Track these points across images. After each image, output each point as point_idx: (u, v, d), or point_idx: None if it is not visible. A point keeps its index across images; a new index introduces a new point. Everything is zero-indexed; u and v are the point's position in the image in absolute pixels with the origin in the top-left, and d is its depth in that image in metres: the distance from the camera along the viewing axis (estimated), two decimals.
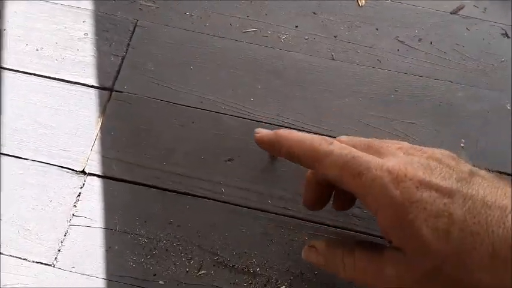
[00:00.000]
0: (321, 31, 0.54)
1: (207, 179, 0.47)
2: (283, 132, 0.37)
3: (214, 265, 0.45)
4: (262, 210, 0.47)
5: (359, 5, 0.55)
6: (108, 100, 0.49)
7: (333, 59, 0.52)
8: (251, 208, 0.47)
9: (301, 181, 0.41)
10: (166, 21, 0.53)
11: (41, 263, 0.44)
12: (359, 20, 0.54)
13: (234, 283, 0.44)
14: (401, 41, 0.54)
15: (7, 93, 0.49)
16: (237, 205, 0.47)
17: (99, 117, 0.49)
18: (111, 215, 0.46)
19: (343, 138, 0.36)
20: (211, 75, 0.51)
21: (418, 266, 0.29)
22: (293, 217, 0.46)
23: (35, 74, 0.50)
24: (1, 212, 0.45)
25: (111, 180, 0.47)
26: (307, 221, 0.46)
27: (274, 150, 0.37)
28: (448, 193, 0.28)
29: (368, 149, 0.33)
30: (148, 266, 0.44)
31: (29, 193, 0.46)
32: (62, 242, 0.44)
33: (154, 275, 0.44)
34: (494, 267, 0.26)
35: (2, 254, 0.44)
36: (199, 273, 0.44)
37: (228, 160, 0.48)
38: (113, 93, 0.50)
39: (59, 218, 0.45)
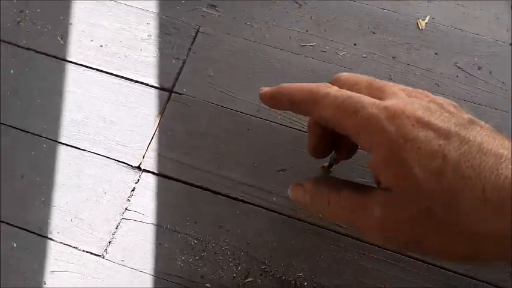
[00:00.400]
0: (380, 51, 0.56)
1: (259, 187, 0.49)
2: (285, 84, 0.36)
3: (261, 274, 0.46)
4: (313, 224, 0.48)
5: (419, 28, 0.57)
6: (168, 101, 0.52)
7: (391, 79, 0.54)
8: (302, 220, 0.48)
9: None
10: (227, 30, 0.56)
11: (91, 253, 0.45)
12: (418, 43, 0.56)
13: None
14: (460, 68, 0.55)
15: (69, 85, 0.52)
16: (287, 216, 0.48)
17: (157, 116, 0.51)
18: (163, 212, 0.47)
19: (344, 74, 0.35)
20: (269, 85, 0.52)
21: (407, 206, 0.28)
22: (345, 235, 0.47)
23: (98, 69, 0.53)
24: (56, 199, 0.47)
25: (165, 179, 0.48)
26: (359, 241, 0.47)
27: (277, 102, 0.36)
28: (445, 135, 0.28)
29: (370, 87, 0.32)
30: (196, 267, 0.45)
31: (85, 183, 0.48)
32: (113, 234, 0.46)
33: (202, 277, 0.45)
34: (483, 211, 0.26)
35: (53, 240, 0.46)
36: (246, 280, 0.45)
37: (281, 170, 0.50)
38: (172, 94, 0.52)
39: (112, 210, 0.47)
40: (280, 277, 0.46)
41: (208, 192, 0.48)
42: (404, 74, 0.55)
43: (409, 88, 0.32)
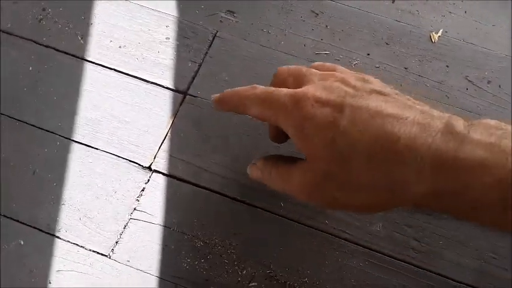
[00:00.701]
0: (392, 61, 0.49)
1: (267, 191, 0.42)
2: (226, 91, 0.37)
3: (266, 278, 0.39)
4: (318, 230, 0.41)
5: (432, 41, 0.50)
6: (182, 103, 0.45)
7: (402, 90, 0.47)
8: (308, 226, 0.41)
9: None
10: (244, 35, 0.49)
11: (98, 253, 0.39)
12: (430, 55, 0.49)
13: None
14: (470, 81, 0.48)
15: (86, 84, 0.46)
16: (294, 221, 0.41)
17: (171, 117, 0.44)
18: (171, 213, 0.41)
19: (280, 69, 0.36)
20: None
21: (316, 171, 0.30)
22: (350, 241, 0.41)
23: (115, 70, 0.46)
24: (66, 197, 0.41)
25: (175, 180, 0.42)
26: (364, 247, 0.41)
27: (223, 107, 0.37)
28: (339, 107, 0.28)
29: (297, 78, 0.33)
30: (202, 270, 0.39)
31: (96, 181, 0.42)
32: (120, 234, 0.40)
33: (207, 280, 0.39)
34: (370, 167, 0.28)
35: (61, 238, 0.40)
36: (251, 284, 0.39)
37: None
38: (187, 96, 0.45)
39: (121, 210, 0.41)
40: (284, 282, 0.39)
41: (217, 194, 0.42)
42: (415, 85, 0.48)
43: (326, 72, 0.33)
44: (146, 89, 0.46)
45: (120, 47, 0.48)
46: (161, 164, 0.43)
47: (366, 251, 0.40)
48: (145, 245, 0.40)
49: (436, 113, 0.28)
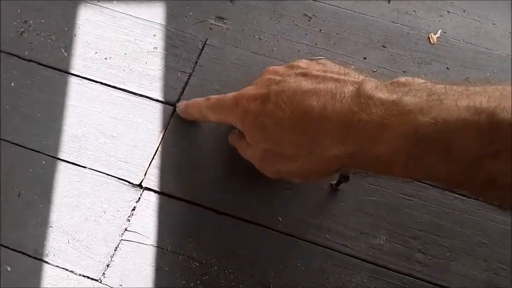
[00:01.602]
0: (390, 65, 0.48)
1: (264, 206, 0.41)
2: (189, 102, 0.42)
3: None
4: (319, 245, 0.40)
5: (430, 42, 0.49)
6: (172, 115, 0.44)
7: None
8: (308, 241, 0.40)
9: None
10: (235, 43, 0.48)
11: (88, 277, 0.38)
12: (430, 58, 0.48)
13: None
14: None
15: (72, 99, 0.44)
16: (293, 236, 0.40)
17: (161, 131, 0.43)
18: (164, 233, 0.40)
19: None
20: None
21: (257, 149, 0.35)
22: (352, 256, 0.40)
23: (101, 83, 0.45)
24: (53, 219, 0.40)
25: (168, 197, 0.41)
26: (368, 262, 0.40)
27: (187, 117, 0.43)
28: (266, 97, 0.33)
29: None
30: None
31: (84, 202, 0.40)
32: (111, 256, 0.39)
33: None
34: (295, 139, 0.32)
35: (49, 263, 0.39)
36: None
37: (287, 188, 0.42)
38: (177, 108, 0.44)
39: (111, 231, 0.40)
40: None
41: (212, 212, 0.41)
42: None
43: (271, 69, 0.37)
44: (134, 102, 0.45)
45: (105, 58, 0.46)
46: (152, 181, 0.41)
47: (370, 265, 0.40)
48: (138, 268, 0.38)
49: (352, 78, 0.31)
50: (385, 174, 0.30)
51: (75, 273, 0.38)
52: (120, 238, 0.39)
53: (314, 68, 0.34)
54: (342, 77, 0.32)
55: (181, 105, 0.43)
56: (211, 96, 0.40)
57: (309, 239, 0.40)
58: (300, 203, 0.42)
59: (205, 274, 0.39)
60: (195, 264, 0.39)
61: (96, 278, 0.38)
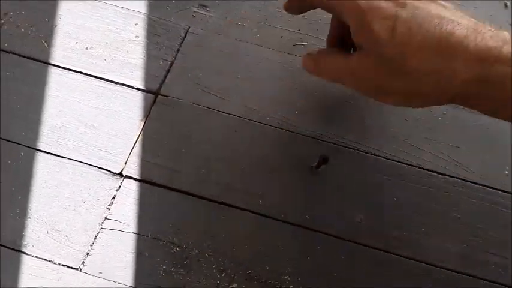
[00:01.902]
0: None
1: (245, 190, 0.41)
2: None
3: (246, 279, 0.38)
4: (300, 226, 0.40)
5: None
6: (153, 104, 0.44)
7: None
8: (289, 223, 0.40)
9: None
10: (218, 30, 0.48)
11: (67, 266, 0.38)
12: None
13: None
14: None
15: (52, 89, 0.44)
16: (274, 219, 0.40)
17: (142, 120, 0.43)
18: (145, 220, 0.39)
19: None
20: (258, 85, 0.45)
21: (370, 56, 0.33)
22: (332, 236, 0.40)
23: (81, 73, 0.45)
24: (31, 210, 0.39)
25: (148, 185, 0.41)
26: (348, 241, 0.39)
27: (292, 4, 0.40)
28: (401, 3, 0.32)
29: None
30: (179, 276, 0.38)
31: (63, 192, 0.40)
32: (91, 245, 0.38)
33: (184, 286, 0.37)
34: (423, 56, 0.31)
35: (28, 254, 0.38)
36: (230, 286, 0.38)
37: (269, 172, 0.42)
38: (159, 97, 0.44)
39: (91, 220, 0.39)
40: (265, 281, 0.38)
41: (192, 197, 0.40)
42: None
43: None
44: (115, 91, 0.44)
45: (86, 48, 0.46)
46: (133, 169, 0.41)
47: (349, 244, 0.39)
48: (118, 255, 0.38)
49: (488, 27, 0.32)
50: (502, 114, 0.34)
51: (54, 263, 0.38)
52: (100, 227, 0.39)
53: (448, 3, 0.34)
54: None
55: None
56: None
57: (290, 220, 0.40)
58: (280, 185, 0.41)
59: (186, 258, 0.38)
60: (176, 249, 0.38)
61: (76, 267, 0.38)
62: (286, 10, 0.41)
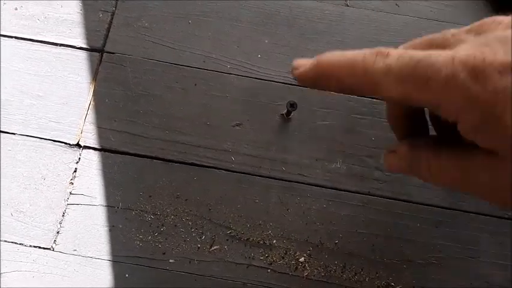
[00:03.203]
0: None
1: (214, 147, 0.40)
2: (326, 60, 0.25)
3: (227, 239, 0.38)
4: (276, 179, 0.40)
5: None
6: (99, 63, 0.41)
7: (347, 5, 0.44)
8: (264, 176, 0.40)
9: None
10: None
11: (39, 247, 0.37)
12: None
13: (249, 257, 0.38)
14: None
15: None
16: (248, 174, 0.40)
17: (90, 83, 0.41)
18: (112, 191, 0.39)
19: (399, 48, 0.26)
20: (213, 30, 0.43)
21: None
22: (310, 184, 0.40)
23: (15, 37, 0.42)
24: None
25: (110, 153, 0.40)
26: (325, 187, 0.40)
27: (322, 86, 0.26)
28: None
29: (430, 46, 0.25)
30: (157, 244, 0.38)
31: (20, 171, 0.39)
32: (60, 223, 0.38)
33: (164, 253, 0.38)
34: None
35: None
36: (212, 248, 0.38)
37: (236, 125, 0.41)
38: (104, 54, 0.42)
39: (55, 197, 0.38)
40: (247, 239, 0.39)
41: (159, 161, 0.40)
42: None
43: (475, 24, 0.24)
44: (56, 54, 0.41)
45: (16, 8, 0.42)
46: (90, 138, 0.40)
47: (328, 191, 0.40)
48: (90, 230, 0.38)
49: None
50: None
51: (25, 245, 0.37)
52: (66, 203, 0.38)
53: None
54: None
55: (300, 65, 0.26)
56: (385, 49, 0.23)
57: (265, 174, 0.40)
58: (251, 139, 0.41)
59: (162, 225, 0.38)
60: (150, 217, 0.39)
61: (48, 247, 0.37)
62: (297, 78, 0.26)
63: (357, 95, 0.28)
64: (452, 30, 0.24)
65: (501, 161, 0.23)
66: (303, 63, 0.26)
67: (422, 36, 0.25)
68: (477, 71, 0.21)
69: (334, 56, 0.25)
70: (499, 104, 0.21)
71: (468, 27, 0.24)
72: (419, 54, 0.23)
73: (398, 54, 0.23)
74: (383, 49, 0.23)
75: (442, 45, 0.24)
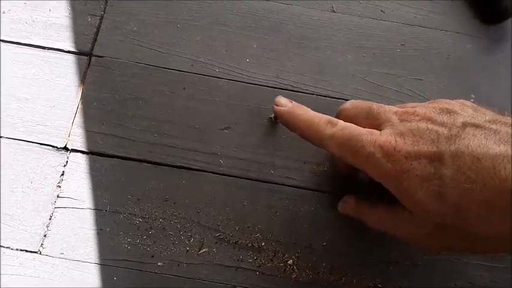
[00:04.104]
0: None
1: (203, 150, 0.41)
2: (296, 111, 0.36)
3: (216, 242, 0.39)
4: (264, 181, 0.41)
5: None
6: (88, 67, 0.42)
7: (334, 11, 0.45)
8: (252, 179, 0.41)
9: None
10: None
11: (26, 251, 0.38)
12: None
13: (238, 260, 0.39)
14: None
15: None
16: (236, 177, 0.41)
17: (78, 86, 0.41)
18: (100, 194, 0.39)
19: (347, 105, 0.35)
20: (202, 34, 0.44)
21: (424, 224, 0.30)
22: (297, 187, 0.41)
23: (3, 40, 0.42)
24: None
25: (97, 156, 0.40)
26: (313, 191, 0.41)
27: (290, 128, 0.37)
28: (437, 157, 0.28)
29: (368, 117, 0.33)
30: (145, 247, 0.38)
31: (7, 174, 0.39)
32: (47, 226, 0.38)
33: (152, 256, 0.38)
34: (490, 217, 0.26)
35: None
36: (201, 251, 0.39)
37: (225, 128, 0.42)
38: (93, 58, 0.42)
39: (42, 200, 0.39)
40: (236, 242, 0.39)
41: (148, 164, 0.40)
42: (347, 3, 0.46)
43: (401, 110, 0.32)
44: (44, 58, 0.42)
45: (4, 12, 0.43)
46: (78, 141, 0.40)
47: (316, 193, 0.41)
48: (78, 233, 0.38)
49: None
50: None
51: (12, 249, 0.38)
52: (53, 206, 0.39)
53: (474, 112, 0.30)
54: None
55: (280, 103, 0.37)
56: (332, 119, 0.33)
57: (253, 177, 0.41)
58: (240, 143, 0.41)
59: (151, 228, 0.39)
60: (138, 220, 0.39)
61: (35, 250, 0.38)
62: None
63: (314, 144, 0.35)
64: (385, 108, 0.32)
65: (415, 217, 0.30)
66: (283, 102, 0.37)
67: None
68: (389, 154, 0.29)
69: (302, 111, 0.35)
70: (405, 179, 0.28)
71: (395, 108, 0.32)
72: (356, 130, 0.31)
73: (342, 127, 0.32)
74: (334, 120, 0.33)
75: (376, 119, 0.32)
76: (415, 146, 0.29)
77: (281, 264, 0.39)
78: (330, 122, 0.33)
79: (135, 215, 0.39)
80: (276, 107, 0.37)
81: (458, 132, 0.28)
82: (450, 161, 0.27)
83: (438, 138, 0.28)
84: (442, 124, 0.29)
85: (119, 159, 0.40)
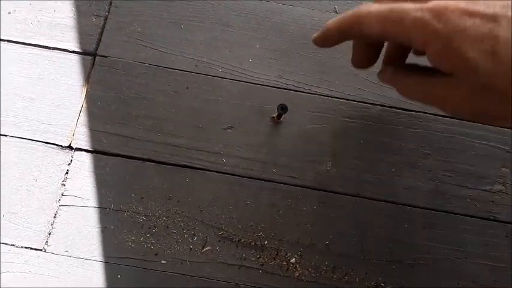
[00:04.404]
0: None
1: (206, 150, 0.41)
2: (329, 21, 0.35)
3: (219, 240, 0.39)
4: (267, 180, 0.41)
5: None
6: (92, 66, 0.42)
7: (336, 12, 0.46)
8: (255, 178, 0.41)
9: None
10: None
11: (31, 248, 0.38)
12: None
13: (241, 258, 0.39)
14: None
15: None
16: (240, 176, 0.41)
17: (83, 86, 0.42)
18: (104, 192, 0.40)
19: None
20: (205, 34, 0.44)
21: (469, 85, 0.29)
22: (300, 186, 0.41)
23: (8, 41, 0.43)
24: None
25: (102, 155, 0.40)
26: (315, 189, 0.41)
27: (330, 39, 0.35)
28: (492, 18, 0.27)
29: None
30: (149, 245, 0.39)
31: (12, 172, 0.40)
32: (52, 224, 0.39)
33: (156, 254, 0.39)
34: None
35: None
36: (204, 249, 0.39)
37: (228, 128, 0.42)
38: (97, 58, 0.43)
39: (46, 198, 0.39)
40: (239, 240, 0.40)
41: (151, 163, 0.41)
42: (349, 4, 0.46)
43: None
44: (49, 57, 0.42)
45: (9, 12, 0.43)
46: (82, 140, 0.41)
47: (319, 192, 0.41)
48: (82, 231, 0.39)
49: None
50: None
51: (17, 246, 0.38)
52: (58, 204, 0.39)
53: None
54: None
55: (315, 35, 0.36)
56: (368, 3, 0.32)
57: (256, 176, 0.41)
58: (243, 142, 0.42)
59: (154, 226, 0.39)
60: (142, 219, 0.39)
61: (40, 248, 0.38)
62: (316, 43, 0.36)
63: (352, 38, 0.35)
64: None
65: (455, 80, 0.30)
66: (316, 33, 0.36)
67: None
68: (440, 14, 0.28)
69: (334, 19, 0.34)
70: (456, 38, 0.28)
71: None
72: (396, 3, 0.30)
73: (379, 3, 0.31)
74: (369, 3, 0.32)
75: None
76: (469, 6, 0.28)
77: (284, 263, 0.39)
78: (365, 4, 0.33)
79: (138, 213, 0.39)
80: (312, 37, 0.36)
81: None
82: (506, 24, 0.27)
83: (493, 4, 0.28)
84: None
85: (123, 158, 0.40)
